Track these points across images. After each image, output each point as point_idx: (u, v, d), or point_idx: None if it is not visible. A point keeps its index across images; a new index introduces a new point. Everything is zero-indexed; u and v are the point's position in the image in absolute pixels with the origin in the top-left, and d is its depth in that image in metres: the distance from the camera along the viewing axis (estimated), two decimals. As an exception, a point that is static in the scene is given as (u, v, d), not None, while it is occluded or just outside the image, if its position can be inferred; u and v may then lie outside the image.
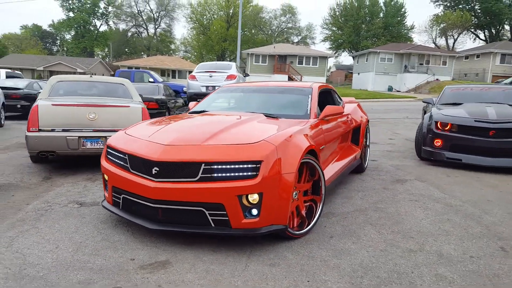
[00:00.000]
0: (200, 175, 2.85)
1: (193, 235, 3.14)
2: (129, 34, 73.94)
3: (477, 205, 4.16)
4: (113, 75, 29.42)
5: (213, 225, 2.92)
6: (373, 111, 17.39)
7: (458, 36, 56.64)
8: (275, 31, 70.93)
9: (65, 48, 74.15)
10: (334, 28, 64.73)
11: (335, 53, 67.68)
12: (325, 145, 3.93)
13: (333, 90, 5.28)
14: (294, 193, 3.24)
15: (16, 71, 19.17)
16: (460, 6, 55.70)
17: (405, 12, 62.04)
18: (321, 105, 4.54)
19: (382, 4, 62.09)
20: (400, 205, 4.13)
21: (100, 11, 71.21)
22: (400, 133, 10.13)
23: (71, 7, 68.69)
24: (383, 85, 39.72)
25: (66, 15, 68.95)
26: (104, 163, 3.47)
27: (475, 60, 43.73)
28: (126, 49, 72.16)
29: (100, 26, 72.53)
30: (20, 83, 12.24)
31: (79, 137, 5.03)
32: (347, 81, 57.10)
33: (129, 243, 3.09)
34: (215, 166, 2.85)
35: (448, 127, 5.91)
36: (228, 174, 2.85)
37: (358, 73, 45.80)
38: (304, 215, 3.40)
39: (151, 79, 16.38)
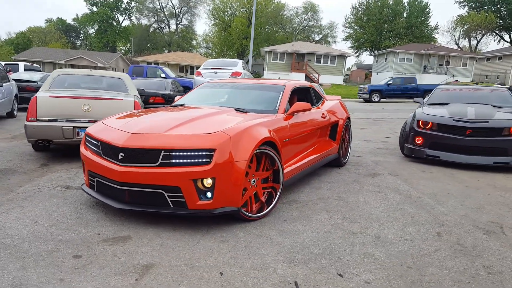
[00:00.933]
0: (160, 160, 3.20)
1: (158, 215, 3.49)
2: (151, 29, 75.18)
3: (436, 197, 4.38)
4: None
5: (171, 206, 3.26)
6: (384, 111, 17.48)
7: (481, 38, 55.39)
8: (296, 29, 70.87)
9: (87, 43, 75.95)
10: (356, 27, 64.18)
11: (356, 52, 67.15)
12: (291, 138, 4.21)
13: (312, 89, 5.54)
14: (253, 180, 3.56)
15: (35, 64, 20.01)
16: (486, 7, 54.38)
17: (429, 12, 60.93)
18: (301, 102, 4.81)
19: (406, 4, 61.18)
20: (362, 195, 4.38)
21: (123, 6, 72.59)
22: (398, 132, 10.24)
23: (95, 1, 70.16)
24: (401, 85, 39.27)
25: (90, 10, 70.57)
26: (82, 149, 3.86)
27: (496, 62, 42.77)
28: (148, 45, 73.49)
29: (122, 21, 74.05)
30: (36, 76, 12.90)
31: (74, 127, 5.45)
32: (367, 80, 56.66)
33: (100, 221, 3.46)
34: (173, 153, 3.18)
35: (429, 125, 6.08)
36: (185, 160, 3.18)
37: (377, 73, 45.42)
38: (264, 201, 3.71)
39: (163, 75, 16.89)
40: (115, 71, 42.13)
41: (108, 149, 3.46)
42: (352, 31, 64.88)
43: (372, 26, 59.31)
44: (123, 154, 3.31)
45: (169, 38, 72.34)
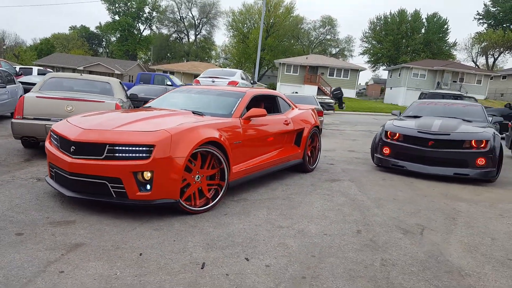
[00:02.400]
0: (105, 154, 3.53)
1: (109, 204, 3.81)
2: (171, 39, 76.85)
3: (379, 201, 4.59)
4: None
5: (114, 196, 3.58)
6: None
7: (499, 55, 54.74)
8: (313, 42, 71.38)
9: (108, 50, 78.08)
10: (373, 42, 64.32)
11: (373, 66, 67.16)
12: (244, 140, 4.50)
13: (279, 98, 5.83)
14: (197, 176, 3.86)
15: (48, 69, 20.84)
16: (504, 25, 53.82)
17: (448, 29, 60.65)
18: (267, 109, 5.13)
19: (424, 20, 61.07)
20: (310, 197, 4.62)
21: (145, 15, 74.59)
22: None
23: (117, 10, 72.30)
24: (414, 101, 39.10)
25: (112, 18, 72.68)
26: (47, 144, 4.23)
27: (513, 80, 42.18)
28: (168, 54, 75.10)
29: (143, 30, 75.94)
30: (44, 80, 13.54)
31: (56, 124, 5.86)
32: (382, 95, 56.50)
33: (54, 207, 3.80)
34: (117, 147, 3.51)
35: (396, 136, 6.28)
36: (127, 155, 3.51)
37: (391, 88, 45.34)
38: (209, 197, 4.00)
39: (169, 82, 17.47)
40: (132, 78, 43.26)
41: (64, 143, 3.82)
42: (369, 46, 65.03)
43: (390, 41, 59.32)
44: (74, 147, 3.66)
45: (188, 48, 73.78)
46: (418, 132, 6.05)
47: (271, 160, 5.07)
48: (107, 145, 3.52)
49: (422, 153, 5.94)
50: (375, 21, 64.49)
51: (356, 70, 43.39)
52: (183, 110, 4.66)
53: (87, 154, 3.60)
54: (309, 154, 6.09)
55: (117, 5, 71.99)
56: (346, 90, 41.30)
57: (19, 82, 11.86)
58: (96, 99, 6.32)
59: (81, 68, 45.19)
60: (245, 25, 68.18)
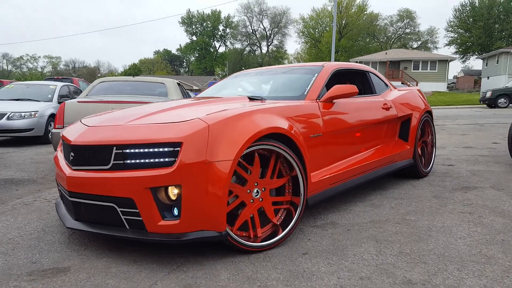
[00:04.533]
0: (112, 161, 2.23)
1: (123, 241, 2.52)
2: (244, 53, 77.65)
3: None
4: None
5: (127, 226, 2.26)
6: (494, 117, 14.73)
7: None
8: (391, 38, 66.98)
9: (188, 69, 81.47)
10: (460, 30, 58.23)
11: (463, 57, 60.75)
12: (326, 133, 2.95)
13: (372, 73, 4.17)
14: (255, 190, 2.41)
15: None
16: None
17: (551, 6, 52.72)
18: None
19: (520, -1, 53.85)
20: (441, 218, 2.89)
21: (219, 33, 76.57)
22: None
23: (194, 31, 75.39)
24: (518, 89, 33.90)
25: (190, 39, 75.92)
26: (56, 155, 3.08)
27: None
28: (242, 67, 75.91)
29: (219, 47, 77.90)
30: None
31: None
32: (476, 87, 50.54)
33: (53, 245, 2.57)
34: (128, 150, 2.19)
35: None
36: (141, 161, 2.17)
37: (488, 77, 40.01)
38: (278, 222, 2.53)
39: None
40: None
41: (65, 149, 2.61)
42: (456, 35, 58.94)
43: (480, 27, 53.13)
44: (73, 154, 2.43)
45: (261, 59, 73.85)
46: None
47: (368, 162, 3.43)
48: (114, 148, 2.22)
49: None
50: (460, 8, 58.34)
51: (445, 61, 39.05)
52: (237, 96, 3.27)
53: (89, 163, 2.34)
54: (419, 152, 4.31)
55: (193, 26, 75.08)
56: (435, 83, 37.49)
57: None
58: (142, 100, 5.23)
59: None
60: (316, 30, 66.40)
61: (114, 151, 2.21)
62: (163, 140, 2.13)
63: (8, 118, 7.32)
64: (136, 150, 2.17)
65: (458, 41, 58.22)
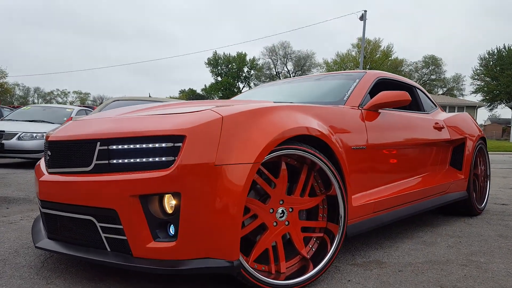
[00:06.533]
0: (94, 161, 1.71)
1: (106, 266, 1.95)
2: (268, 94, 78.62)
3: None
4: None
5: (108, 248, 1.69)
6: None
7: None
8: (415, 84, 66.55)
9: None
10: (487, 79, 57.39)
11: (490, 105, 59.41)
12: (371, 147, 2.37)
13: (419, 90, 3.61)
14: (280, 210, 1.83)
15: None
16: None
17: None
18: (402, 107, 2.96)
19: (550, 48, 53.11)
20: (520, 262, 2.21)
21: (244, 75, 78.10)
22: None
23: (219, 72, 77.26)
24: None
25: (215, 80, 77.64)
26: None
27: None
28: (265, 108, 76.54)
29: (242, 88, 79.05)
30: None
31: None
32: (505, 136, 48.87)
33: (21, 268, 2.04)
34: (115, 146, 1.66)
35: None
36: (132, 160, 1.64)
37: (518, 126, 38.72)
38: (307, 256, 1.92)
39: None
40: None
41: (45, 149, 2.12)
42: (482, 83, 58.00)
43: (508, 76, 52.23)
44: (49, 153, 1.93)
45: (284, 100, 74.40)
46: None
47: (416, 190, 2.80)
48: (98, 143, 1.70)
49: None
50: (487, 56, 57.85)
51: (473, 107, 38.11)
52: (257, 100, 2.76)
53: (67, 164, 1.82)
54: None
55: (219, 67, 76.99)
56: (462, 130, 36.33)
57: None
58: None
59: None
60: (341, 74, 66.66)
61: (98, 147, 1.69)
62: (159, 132, 1.60)
63: (19, 138, 7.00)
64: (125, 146, 1.64)
65: (485, 89, 57.23)
